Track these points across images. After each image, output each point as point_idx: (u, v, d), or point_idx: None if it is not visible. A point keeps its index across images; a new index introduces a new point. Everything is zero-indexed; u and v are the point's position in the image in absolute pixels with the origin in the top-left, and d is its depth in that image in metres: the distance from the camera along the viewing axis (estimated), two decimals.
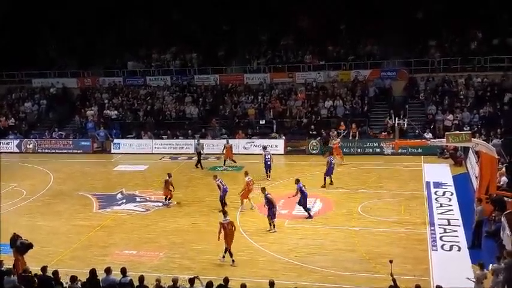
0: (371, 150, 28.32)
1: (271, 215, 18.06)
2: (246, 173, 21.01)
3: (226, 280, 12.14)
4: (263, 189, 18.59)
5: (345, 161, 26.33)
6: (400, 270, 14.41)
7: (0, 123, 35.86)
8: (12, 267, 13.83)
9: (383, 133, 29.31)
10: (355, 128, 29.64)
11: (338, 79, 33.71)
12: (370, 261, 15.48)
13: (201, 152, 27.71)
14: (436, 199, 20.59)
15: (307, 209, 19.25)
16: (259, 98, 33.82)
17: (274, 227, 18.11)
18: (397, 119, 25.61)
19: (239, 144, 30.28)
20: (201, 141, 28.74)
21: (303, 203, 19.11)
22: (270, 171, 24.63)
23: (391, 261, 12.33)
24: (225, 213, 16.42)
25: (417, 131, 27.32)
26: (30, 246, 14.64)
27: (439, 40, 33.16)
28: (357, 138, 29.36)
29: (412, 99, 31.69)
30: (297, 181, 19.24)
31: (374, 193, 21.33)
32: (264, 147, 25.54)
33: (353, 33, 35.11)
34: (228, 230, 15.63)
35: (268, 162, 24.43)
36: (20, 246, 14.53)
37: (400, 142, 21.93)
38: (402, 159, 26.62)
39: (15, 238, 14.78)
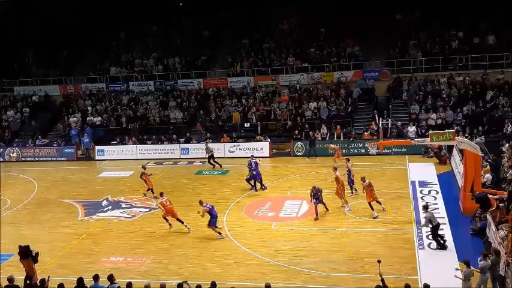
0: (356, 151, 28.46)
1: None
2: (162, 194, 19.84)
3: (213, 284, 12.09)
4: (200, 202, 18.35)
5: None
6: (388, 270, 14.52)
7: None
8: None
9: (365, 133, 29.51)
10: (339, 130, 29.79)
11: (321, 81, 33.88)
12: (357, 261, 15.54)
13: (212, 153, 27.74)
14: (421, 198, 20.73)
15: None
16: (243, 101, 33.84)
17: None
18: (381, 119, 25.76)
19: (224, 148, 30.23)
20: (210, 145, 28.54)
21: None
22: (259, 181, 23.01)
23: (379, 261, 12.39)
24: (161, 193, 19.36)
25: (399, 123, 27.49)
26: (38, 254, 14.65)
27: (420, 40, 33.57)
28: (341, 139, 29.49)
29: (395, 99, 31.98)
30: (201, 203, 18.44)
31: (360, 194, 21.40)
32: (252, 156, 23.82)
33: (334, 35, 35.35)
34: (167, 207, 18.71)
35: (253, 172, 22.71)
36: (35, 257, 14.36)
37: (385, 142, 22.02)
38: (387, 159, 26.84)
39: (28, 249, 14.51)
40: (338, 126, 29.94)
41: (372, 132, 28.97)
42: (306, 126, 30.38)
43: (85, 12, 38.05)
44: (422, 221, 16.62)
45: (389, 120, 27.70)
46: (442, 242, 16.00)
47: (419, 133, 27.80)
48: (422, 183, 22.50)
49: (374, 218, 18.71)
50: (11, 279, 12.81)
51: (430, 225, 15.92)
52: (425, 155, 26.95)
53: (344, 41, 35.02)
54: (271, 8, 36.57)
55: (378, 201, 19.16)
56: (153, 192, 22.77)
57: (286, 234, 18.02)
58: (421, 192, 21.48)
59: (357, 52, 34.60)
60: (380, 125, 24.70)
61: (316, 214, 19.04)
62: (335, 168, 20.20)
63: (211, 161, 27.54)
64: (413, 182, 22.79)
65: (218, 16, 37.76)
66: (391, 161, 26.64)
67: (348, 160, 21.87)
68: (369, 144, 26.61)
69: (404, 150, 27.41)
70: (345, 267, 15.29)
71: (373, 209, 18.96)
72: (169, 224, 19.15)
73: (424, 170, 24.64)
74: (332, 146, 26.70)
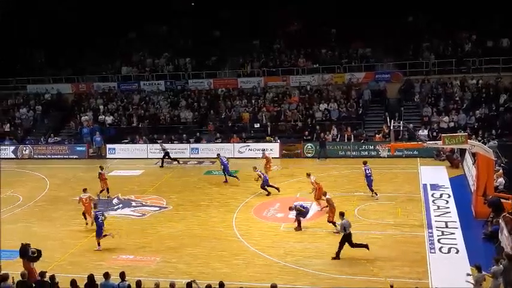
0: (366, 153, 28.33)
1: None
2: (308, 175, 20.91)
3: (221, 284, 12.07)
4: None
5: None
6: (398, 273, 14.45)
7: None
8: (6, 273, 13.65)
9: (377, 135, 29.34)
10: (350, 132, 29.65)
11: (332, 82, 33.77)
12: (367, 264, 15.42)
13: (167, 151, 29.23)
14: (433, 201, 20.55)
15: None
16: (253, 101, 33.82)
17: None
18: (392, 121, 25.59)
19: (234, 148, 30.25)
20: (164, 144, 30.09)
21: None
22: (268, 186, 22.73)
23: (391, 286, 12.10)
24: (84, 189, 19.90)
25: (411, 125, 27.26)
26: (40, 254, 14.63)
27: (433, 42, 33.33)
28: (352, 141, 29.38)
29: (407, 102, 31.76)
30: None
31: (370, 196, 21.29)
32: (218, 154, 25.63)
33: (345, 36, 35.19)
34: (86, 204, 19.34)
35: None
36: (31, 256, 14.40)
37: (396, 145, 21.89)
38: (398, 162, 26.63)
39: (25, 248, 14.60)
40: (348, 128, 29.82)
41: (384, 135, 28.80)
42: (317, 127, 30.30)
43: (93, 12, 38.22)
44: (338, 227, 16.41)
45: (401, 122, 27.50)
46: (357, 246, 15.82)
47: (431, 136, 27.59)
48: (434, 187, 22.31)
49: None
50: (23, 275, 12.91)
51: (343, 232, 15.73)
52: (437, 158, 26.74)
53: (355, 42, 34.87)
54: (282, 8, 36.46)
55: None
56: (108, 192, 23.32)
57: (295, 236, 17.95)
58: (432, 195, 21.29)
59: (368, 53, 34.44)
60: (391, 127, 24.53)
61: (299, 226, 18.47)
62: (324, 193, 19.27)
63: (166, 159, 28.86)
64: (424, 185, 22.61)
65: (228, 16, 37.73)
66: (403, 163, 26.45)
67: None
68: (380, 147, 26.48)
69: (415, 153, 27.23)
70: (354, 269, 15.17)
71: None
72: (87, 222, 19.54)
73: (436, 173, 24.44)
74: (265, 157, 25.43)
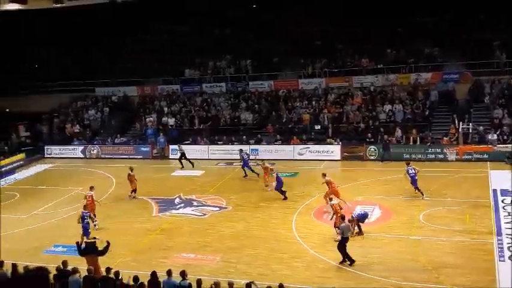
0: (433, 156, 27.26)
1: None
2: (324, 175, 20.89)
3: (281, 286, 11.97)
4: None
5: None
6: (464, 281, 13.81)
7: (66, 130, 37.54)
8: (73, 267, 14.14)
9: (445, 138, 28.17)
10: (416, 134, 28.68)
11: (397, 82, 32.81)
12: (432, 271, 14.80)
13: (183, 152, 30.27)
14: (503, 207, 19.45)
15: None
16: (314, 103, 33.48)
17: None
18: (461, 123, 24.50)
19: (294, 150, 30.09)
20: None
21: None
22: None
23: None
24: (91, 187, 20.83)
25: (481, 128, 25.99)
26: (108, 246, 14.93)
27: (505, 41, 31.58)
28: (418, 143, 28.39)
29: (477, 103, 30.29)
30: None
31: (437, 201, 20.46)
32: (240, 150, 27.33)
33: (410, 35, 34.09)
34: (88, 201, 20.01)
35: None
36: (100, 250, 14.80)
37: (465, 148, 20.96)
38: (467, 166, 25.45)
39: (93, 244, 15.04)
40: (414, 130, 28.85)
41: (451, 138, 27.63)
42: (380, 129, 29.55)
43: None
44: (339, 230, 16.04)
45: (470, 124, 26.31)
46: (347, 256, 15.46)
47: (502, 139, 26.17)
48: (505, 192, 21.04)
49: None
50: (89, 270, 13.37)
51: (342, 235, 15.48)
52: (508, 162, 25.28)
53: (422, 41, 33.69)
54: (344, 8, 35.85)
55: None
56: (134, 193, 24.14)
57: (357, 240, 17.50)
58: (503, 201, 20.14)
59: (435, 53, 33.18)
60: (460, 130, 23.51)
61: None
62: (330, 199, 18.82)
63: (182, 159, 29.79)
64: (494, 191, 21.44)
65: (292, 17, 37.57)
66: (472, 167, 25.22)
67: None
68: (448, 150, 25.50)
69: (485, 156, 25.91)
70: (418, 276, 14.59)
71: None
72: (95, 220, 20.09)
73: (507, 178, 23.02)
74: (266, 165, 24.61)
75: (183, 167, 29.73)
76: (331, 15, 36.26)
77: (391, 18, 34.67)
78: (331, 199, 18.61)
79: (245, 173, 26.57)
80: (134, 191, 24.21)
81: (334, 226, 17.59)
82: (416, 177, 21.04)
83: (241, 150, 27.45)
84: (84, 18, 38.41)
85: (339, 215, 17.22)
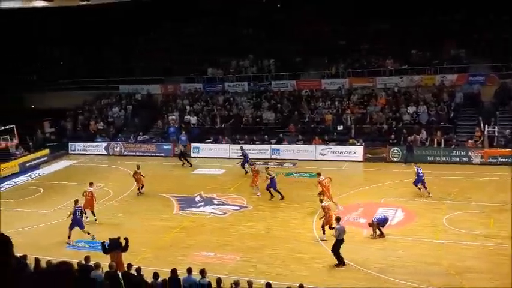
0: (458, 159, 26.79)
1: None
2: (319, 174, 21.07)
3: (301, 287, 11.91)
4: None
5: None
6: (488, 287, 13.48)
7: (90, 127, 38.06)
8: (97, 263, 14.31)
9: (469, 141, 27.63)
10: (440, 136, 28.23)
11: (422, 84, 32.36)
12: (455, 276, 14.54)
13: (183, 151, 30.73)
14: None
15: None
16: (336, 103, 33.24)
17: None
18: (486, 126, 24.00)
19: (315, 151, 29.93)
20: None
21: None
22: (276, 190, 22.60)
23: None
24: (91, 183, 21.00)
25: (507, 131, 25.40)
26: (127, 243, 15.20)
27: None
28: (442, 146, 27.94)
29: (503, 106, 29.65)
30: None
31: (460, 204, 20.11)
32: (241, 148, 28.27)
33: (435, 36, 33.55)
34: (88, 198, 20.31)
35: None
36: (123, 246, 15.04)
37: (490, 151, 20.53)
38: (492, 169, 24.89)
39: (116, 241, 15.21)
40: (438, 132, 28.39)
41: (476, 141, 27.09)
42: (404, 131, 29.18)
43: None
44: (335, 232, 15.87)
45: (496, 127, 25.77)
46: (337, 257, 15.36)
47: None
48: None
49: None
50: (111, 266, 13.50)
51: (336, 237, 15.37)
52: None
53: (447, 42, 33.16)
54: (370, 8, 35.49)
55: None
56: (141, 189, 24.48)
57: (378, 243, 17.33)
58: None
59: (461, 54, 32.60)
60: (485, 133, 23.05)
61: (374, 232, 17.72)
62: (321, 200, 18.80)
63: (182, 158, 30.22)
64: None
65: (313, 17, 37.38)
66: (497, 171, 24.66)
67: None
68: (473, 153, 25.04)
69: (511, 160, 25.32)
70: (441, 280, 14.38)
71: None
72: (86, 216, 20.22)
73: None
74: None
75: (183, 164, 30.16)
76: (355, 15, 35.95)
77: (417, 19, 34.19)
78: (321, 200, 18.57)
79: (245, 170, 27.04)
80: (141, 187, 24.55)
81: (322, 226, 17.68)
82: (424, 178, 21.23)
83: (242, 148, 28.38)
84: (96, 18, 38.66)
85: (333, 216, 17.17)
